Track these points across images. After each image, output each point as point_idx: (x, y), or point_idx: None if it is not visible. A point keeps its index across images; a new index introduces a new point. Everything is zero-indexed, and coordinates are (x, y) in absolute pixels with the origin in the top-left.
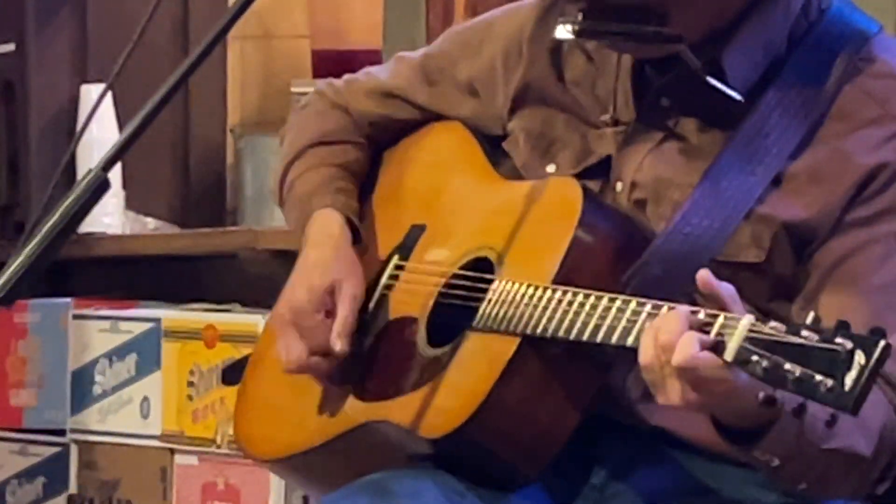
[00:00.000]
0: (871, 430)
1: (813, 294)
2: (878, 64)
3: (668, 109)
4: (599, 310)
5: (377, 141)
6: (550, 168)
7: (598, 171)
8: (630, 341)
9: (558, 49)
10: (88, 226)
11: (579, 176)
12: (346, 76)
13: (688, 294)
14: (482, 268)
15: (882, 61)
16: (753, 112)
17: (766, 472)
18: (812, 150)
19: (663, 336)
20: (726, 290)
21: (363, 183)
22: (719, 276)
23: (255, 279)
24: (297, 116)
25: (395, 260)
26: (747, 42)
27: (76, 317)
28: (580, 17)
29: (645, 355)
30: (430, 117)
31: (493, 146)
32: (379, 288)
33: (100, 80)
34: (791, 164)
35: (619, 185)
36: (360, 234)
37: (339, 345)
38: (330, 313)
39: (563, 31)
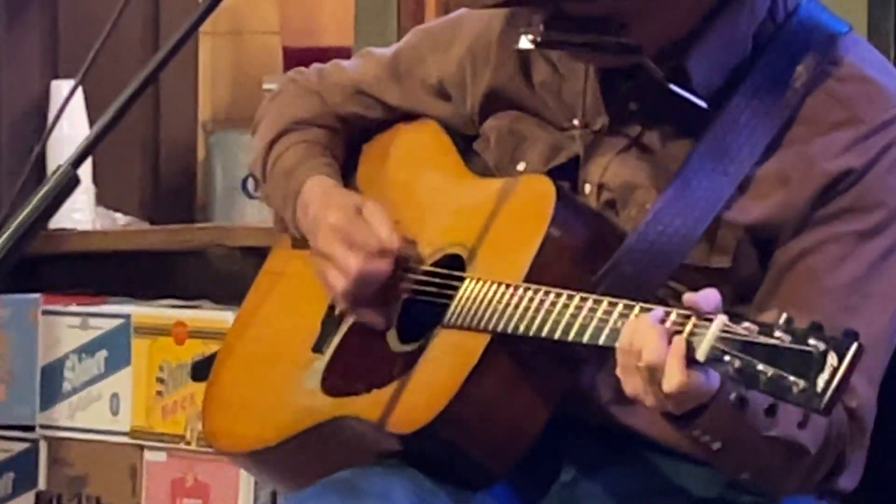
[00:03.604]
0: (817, 428)
1: (770, 292)
2: (844, 67)
3: (636, 113)
4: (571, 308)
5: (350, 136)
6: (521, 166)
7: (566, 172)
8: (601, 340)
9: (526, 52)
10: (58, 221)
11: (548, 175)
12: (316, 66)
13: (659, 295)
14: (453, 265)
15: (849, 64)
16: (721, 115)
17: (709, 456)
18: (779, 154)
19: (636, 336)
20: (711, 291)
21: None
22: (688, 281)
23: (224, 275)
24: (271, 102)
25: None
26: (711, 47)
27: (46, 312)
28: (541, 27)
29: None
30: (401, 116)
31: (466, 144)
32: None
33: (70, 76)
34: (758, 167)
35: (587, 188)
36: None
37: (392, 241)
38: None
39: (525, 42)
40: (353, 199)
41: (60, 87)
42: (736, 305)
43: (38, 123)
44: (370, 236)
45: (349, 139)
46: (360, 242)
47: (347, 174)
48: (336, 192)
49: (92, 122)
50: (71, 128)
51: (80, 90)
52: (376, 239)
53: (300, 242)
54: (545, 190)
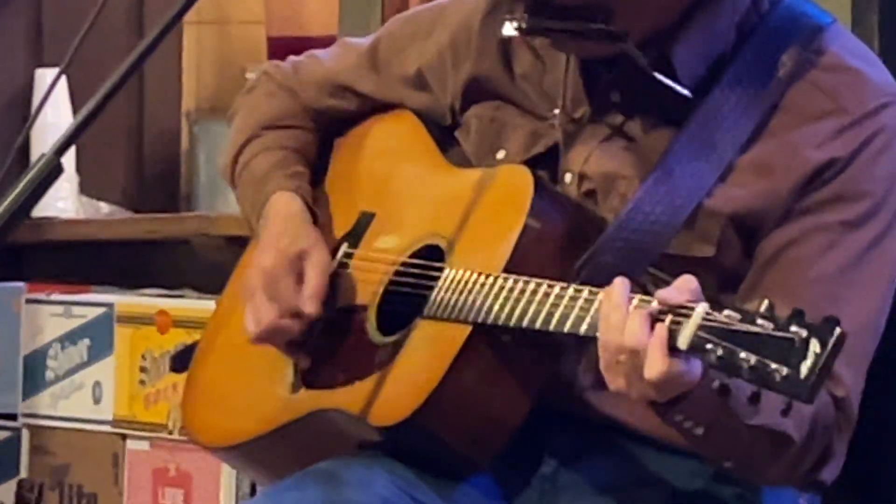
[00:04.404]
0: (802, 416)
1: (755, 282)
2: (828, 56)
3: (618, 103)
4: (552, 298)
5: (325, 130)
6: (500, 154)
7: (546, 162)
8: (582, 330)
9: (507, 42)
10: (42, 210)
11: (527, 164)
12: (292, 59)
13: (641, 283)
14: (433, 256)
15: (832, 54)
16: (704, 104)
17: (692, 442)
18: (762, 143)
19: (617, 325)
20: (684, 280)
21: (314, 169)
22: (670, 270)
23: (208, 265)
24: (245, 98)
25: (344, 248)
26: (695, 37)
27: (29, 301)
28: (525, 14)
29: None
30: (379, 106)
31: (444, 134)
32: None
33: (54, 64)
34: (741, 156)
35: (567, 177)
36: (317, 216)
37: (310, 306)
38: (300, 278)
39: (509, 28)
40: (299, 245)
41: (45, 76)
42: (720, 295)
43: (22, 111)
44: (291, 295)
45: (323, 134)
46: (279, 297)
47: (323, 167)
48: (289, 228)
49: (76, 111)
50: (55, 116)
51: (64, 78)
52: (296, 300)
53: None
54: (523, 180)
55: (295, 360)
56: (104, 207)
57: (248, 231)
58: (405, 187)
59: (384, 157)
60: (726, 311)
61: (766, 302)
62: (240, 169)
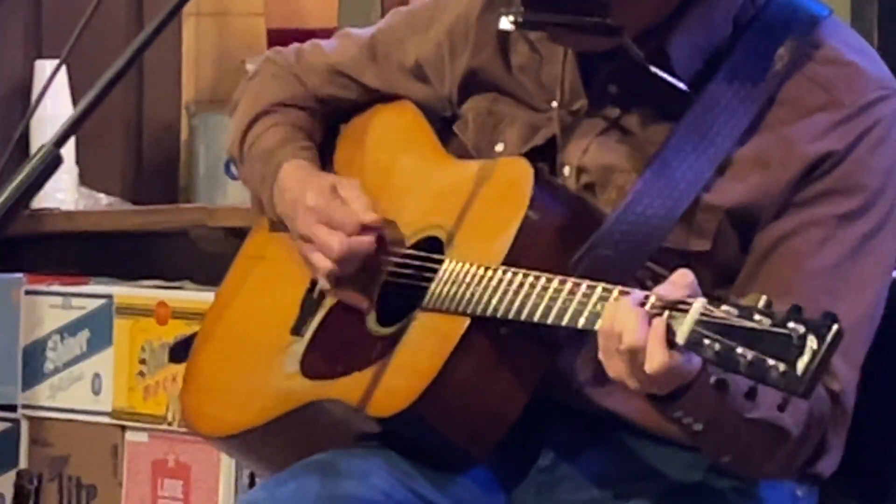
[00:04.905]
0: (799, 410)
1: (751, 275)
2: (824, 49)
3: (615, 96)
4: (550, 291)
5: (329, 116)
6: (499, 147)
7: (544, 154)
8: (580, 324)
9: (504, 34)
10: (41, 201)
11: (526, 157)
12: (294, 46)
13: (638, 277)
14: (432, 247)
15: (829, 47)
16: (701, 97)
17: (691, 437)
18: (758, 137)
19: (616, 319)
20: (681, 274)
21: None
22: (667, 264)
23: (207, 256)
24: (250, 82)
25: None
26: (692, 30)
27: (28, 293)
28: (522, 8)
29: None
30: (379, 97)
31: (444, 126)
32: None
33: (54, 56)
34: (738, 150)
35: (566, 170)
36: None
37: (368, 215)
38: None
39: (506, 23)
40: (328, 180)
41: (44, 67)
42: (716, 289)
43: (22, 103)
44: (349, 214)
45: (327, 121)
46: (339, 221)
47: (325, 156)
48: (313, 174)
49: (75, 102)
50: (54, 108)
51: (63, 70)
52: (355, 216)
53: (278, 225)
54: (523, 172)
55: (372, 291)
56: (103, 199)
57: (249, 222)
58: (405, 178)
59: (385, 147)
60: (724, 307)
61: (763, 298)
62: (248, 144)
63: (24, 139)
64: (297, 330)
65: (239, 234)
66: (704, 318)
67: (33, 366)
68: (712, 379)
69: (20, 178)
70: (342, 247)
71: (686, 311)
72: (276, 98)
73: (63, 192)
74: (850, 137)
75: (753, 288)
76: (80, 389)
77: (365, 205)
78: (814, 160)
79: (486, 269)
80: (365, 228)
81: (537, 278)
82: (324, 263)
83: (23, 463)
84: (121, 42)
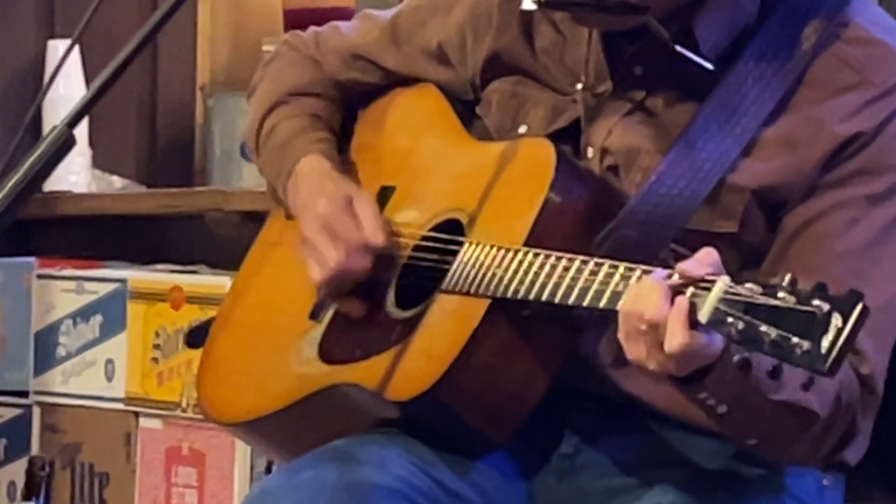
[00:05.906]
0: (826, 392)
1: (778, 257)
2: (852, 29)
3: (640, 77)
4: (571, 272)
5: (348, 100)
6: (522, 129)
7: (568, 136)
8: (602, 304)
9: (528, 16)
10: (54, 184)
11: (550, 139)
12: (313, 29)
13: (661, 257)
14: (453, 229)
15: (857, 26)
16: (727, 78)
17: (716, 421)
18: (785, 117)
19: (638, 297)
20: (705, 252)
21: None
22: (692, 246)
23: (222, 240)
24: (266, 67)
25: None
26: (718, 9)
27: (40, 276)
28: None
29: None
30: (400, 80)
31: (466, 109)
32: None
33: (67, 36)
34: (765, 130)
35: (589, 151)
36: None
37: (376, 237)
38: (355, 218)
39: (529, 3)
40: (345, 190)
41: (57, 47)
42: (743, 272)
43: (34, 83)
44: (354, 231)
45: (347, 105)
46: (343, 236)
47: (345, 140)
48: (330, 178)
49: (88, 83)
50: (67, 88)
51: (76, 50)
52: (360, 235)
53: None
54: (546, 153)
55: (381, 289)
56: (117, 181)
57: (264, 206)
58: (427, 161)
59: (406, 130)
60: (748, 285)
61: (787, 275)
62: (265, 135)
63: (37, 120)
64: (315, 315)
65: (255, 218)
66: (728, 296)
67: (45, 351)
68: (735, 358)
69: (32, 159)
70: (339, 263)
71: (709, 288)
72: (293, 84)
73: (76, 175)
74: (879, 117)
75: (781, 270)
76: (93, 375)
77: (375, 226)
78: (843, 140)
79: (508, 250)
80: (366, 248)
81: (559, 259)
82: (317, 274)
83: (35, 450)
84: (134, 22)
